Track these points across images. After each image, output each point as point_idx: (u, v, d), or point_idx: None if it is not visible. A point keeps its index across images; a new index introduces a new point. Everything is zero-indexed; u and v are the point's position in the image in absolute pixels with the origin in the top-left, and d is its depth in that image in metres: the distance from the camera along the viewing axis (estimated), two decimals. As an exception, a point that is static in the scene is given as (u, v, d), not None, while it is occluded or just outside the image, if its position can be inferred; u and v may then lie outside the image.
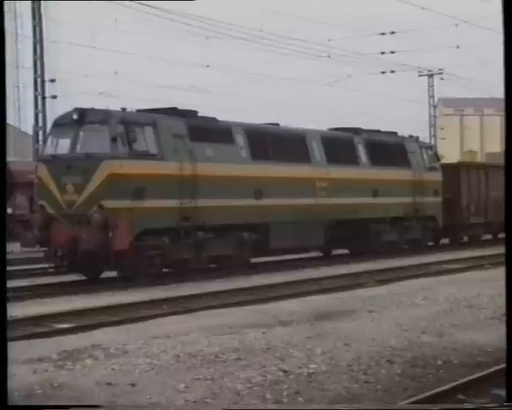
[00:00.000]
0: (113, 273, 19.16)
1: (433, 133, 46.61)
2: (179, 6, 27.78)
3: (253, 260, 22.33)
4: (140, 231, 18.54)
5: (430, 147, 32.15)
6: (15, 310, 14.18)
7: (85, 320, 13.44)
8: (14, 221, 32.14)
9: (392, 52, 39.69)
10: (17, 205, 34.15)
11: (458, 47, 39.03)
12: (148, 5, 29.44)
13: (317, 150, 24.37)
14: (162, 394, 7.90)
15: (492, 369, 8.74)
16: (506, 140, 4.57)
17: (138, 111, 20.33)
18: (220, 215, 20.45)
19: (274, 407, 7.57)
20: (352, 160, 25.86)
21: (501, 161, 6.91)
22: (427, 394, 7.83)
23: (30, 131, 33.20)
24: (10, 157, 40.27)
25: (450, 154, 51.72)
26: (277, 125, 24.39)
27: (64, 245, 18.57)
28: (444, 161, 33.03)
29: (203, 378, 8.52)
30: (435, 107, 48.89)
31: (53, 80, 30.15)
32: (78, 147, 18.92)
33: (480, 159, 60.32)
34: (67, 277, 19.16)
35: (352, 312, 13.52)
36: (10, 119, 48.33)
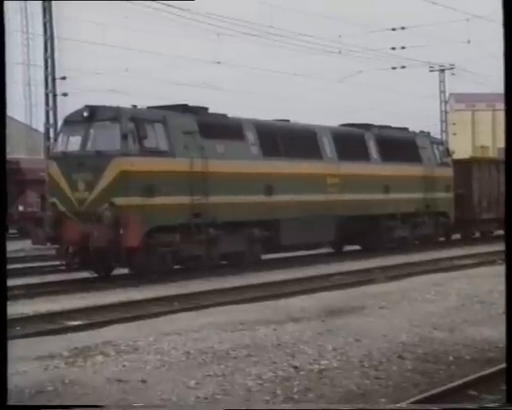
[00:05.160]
0: (125, 270, 19.20)
1: (444, 129, 46.49)
2: (189, 3, 27.72)
3: (264, 256, 22.31)
4: (151, 228, 18.56)
5: (441, 142, 32.04)
6: (27, 307, 14.23)
7: (96, 317, 13.46)
8: (25, 219, 32.35)
9: (403, 47, 39.54)
10: (28, 203, 34.26)
11: (469, 42, 38.88)
12: (158, 3, 29.44)
13: (327, 146, 24.32)
14: (173, 390, 7.89)
15: (504, 365, 8.69)
16: (506, 137, 4.53)
17: (149, 108, 20.34)
18: (231, 212, 20.44)
19: (272, 406, 7.52)
20: (363, 156, 25.80)
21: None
22: (439, 389, 7.80)
23: (41, 128, 33.27)
24: (22, 154, 40.42)
25: (462, 149, 51.53)
26: (288, 121, 24.36)
27: (75, 242, 18.61)
28: (455, 156, 32.93)
29: (214, 375, 8.51)
30: (447, 102, 48.73)
31: (64, 78, 30.24)
32: (89, 144, 18.94)
33: (491, 154, 60.13)
34: (79, 274, 19.20)
35: (362, 308, 13.48)
36: (22, 116, 48.50)
